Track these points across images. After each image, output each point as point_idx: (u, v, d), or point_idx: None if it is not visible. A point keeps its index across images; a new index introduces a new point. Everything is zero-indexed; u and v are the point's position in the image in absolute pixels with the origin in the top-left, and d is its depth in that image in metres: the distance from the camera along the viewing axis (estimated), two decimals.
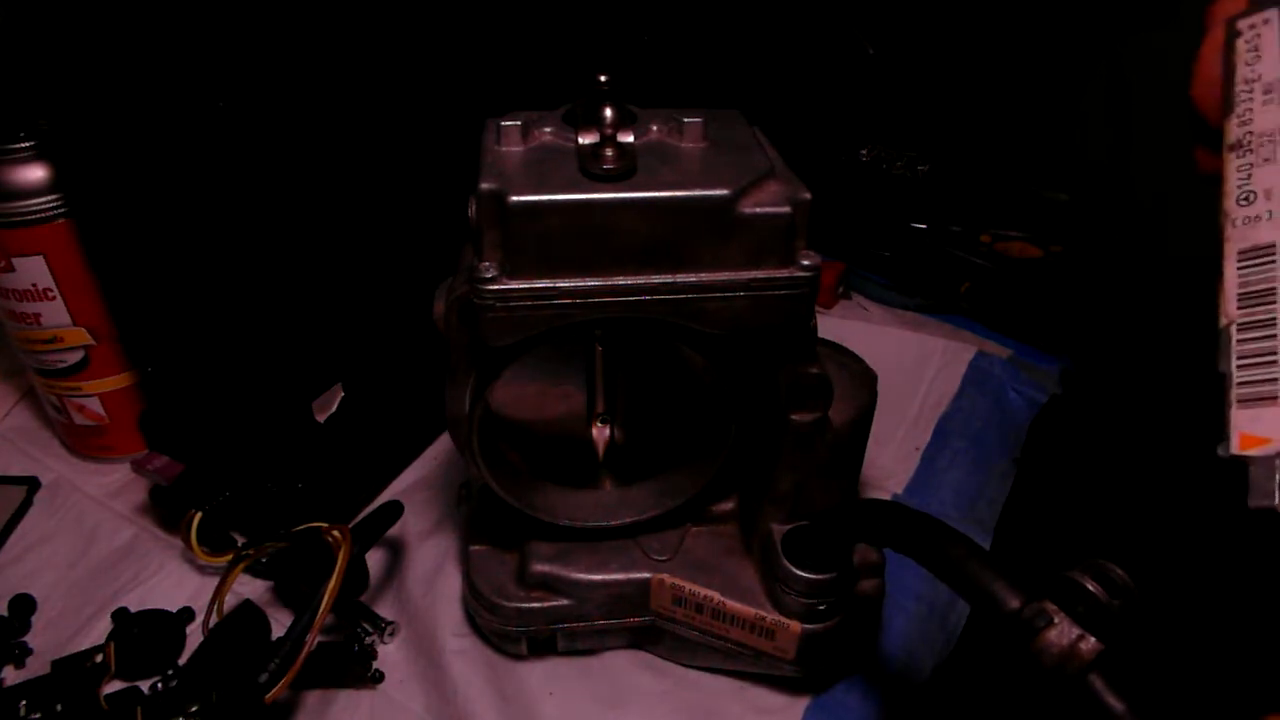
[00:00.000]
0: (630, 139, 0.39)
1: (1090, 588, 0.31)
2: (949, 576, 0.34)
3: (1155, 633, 0.38)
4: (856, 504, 0.45)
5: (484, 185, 0.37)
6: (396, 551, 0.57)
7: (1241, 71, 0.31)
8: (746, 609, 0.46)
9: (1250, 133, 0.31)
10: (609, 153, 0.37)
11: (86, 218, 0.55)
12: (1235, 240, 0.30)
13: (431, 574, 0.55)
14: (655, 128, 0.41)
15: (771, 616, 0.45)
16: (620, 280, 0.39)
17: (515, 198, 0.37)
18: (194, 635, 0.51)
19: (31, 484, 0.63)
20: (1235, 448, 0.28)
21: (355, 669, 0.49)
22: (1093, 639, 0.29)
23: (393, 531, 0.55)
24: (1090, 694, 0.29)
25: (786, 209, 0.38)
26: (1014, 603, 0.31)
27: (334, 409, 0.56)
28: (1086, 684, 0.29)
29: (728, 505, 0.50)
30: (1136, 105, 0.69)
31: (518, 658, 0.50)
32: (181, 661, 0.49)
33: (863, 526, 0.43)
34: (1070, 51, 0.74)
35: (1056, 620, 0.30)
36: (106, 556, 0.57)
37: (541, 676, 0.50)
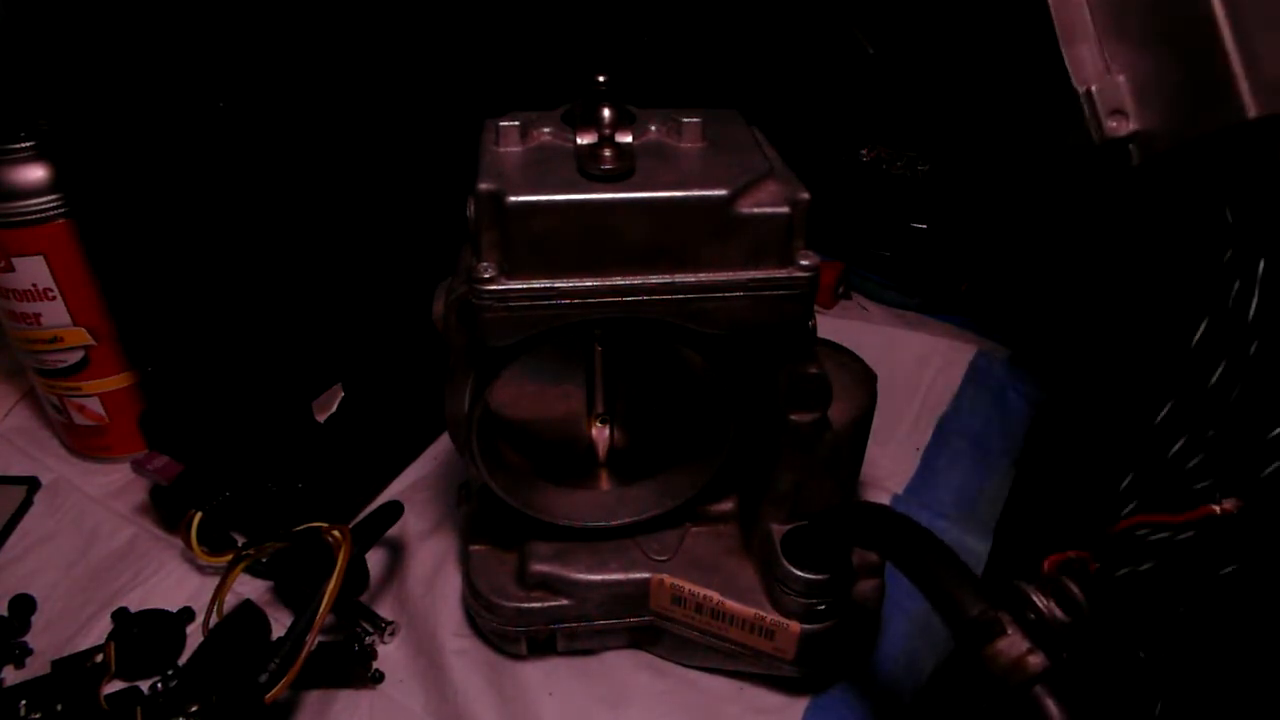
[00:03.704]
0: (629, 139, 0.39)
1: (1040, 604, 0.31)
2: (918, 578, 0.35)
3: (1112, 652, 0.39)
4: (843, 506, 0.45)
5: (482, 186, 0.37)
6: (396, 551, 0.57)
7: None
8: (746, 609, 0.46)
9: None
10: (607, 153, 0.38)
11: (86, 218, 0.55)
12: None
13: (431, 574, 0.55)
14: (654, 128, 0.41)
15: (771, 617, 0.45)
16: (619, 280, 0.39)
17: (513, 198, 0.37)
18: (194, 635, 0.51)
19: (31, 484, 0.63)
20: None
21: (355, 669, 0.49)
22: (1042, 654, 0.30)
23: (393, 531, 0.55)
24: (1033, 704, 0.29)
25: (785, 209, 0.38)
26: (974, 610, 0.32)
27: (334, 409, 0.56)
28: (1031, 695, 0.29)
29: (727, 505, 0.50)
30: None
31: (518, 658, 0.50)
32: (181, 661, 0.49)
33: (849, 528, 0.43)
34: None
35: (1010, 631, 0.31)
36: (106, 556, 0.57)
37: (541, 676, 0.50)
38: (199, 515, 0.53)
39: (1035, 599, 0.31)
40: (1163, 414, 0.43)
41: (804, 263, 0.39)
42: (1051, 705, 0.29)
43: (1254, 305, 0.41)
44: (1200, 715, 0.38)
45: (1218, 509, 0.40)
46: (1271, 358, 0.41)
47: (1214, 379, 0.41)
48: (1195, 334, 0.42)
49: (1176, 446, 0.42)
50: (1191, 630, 0.40)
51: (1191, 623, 0.40)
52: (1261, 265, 0.41)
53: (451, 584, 0.54)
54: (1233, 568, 0.38)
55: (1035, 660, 0.30)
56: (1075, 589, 0.31)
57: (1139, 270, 0.61)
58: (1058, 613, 0.31)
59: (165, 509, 0.58)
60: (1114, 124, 0.43)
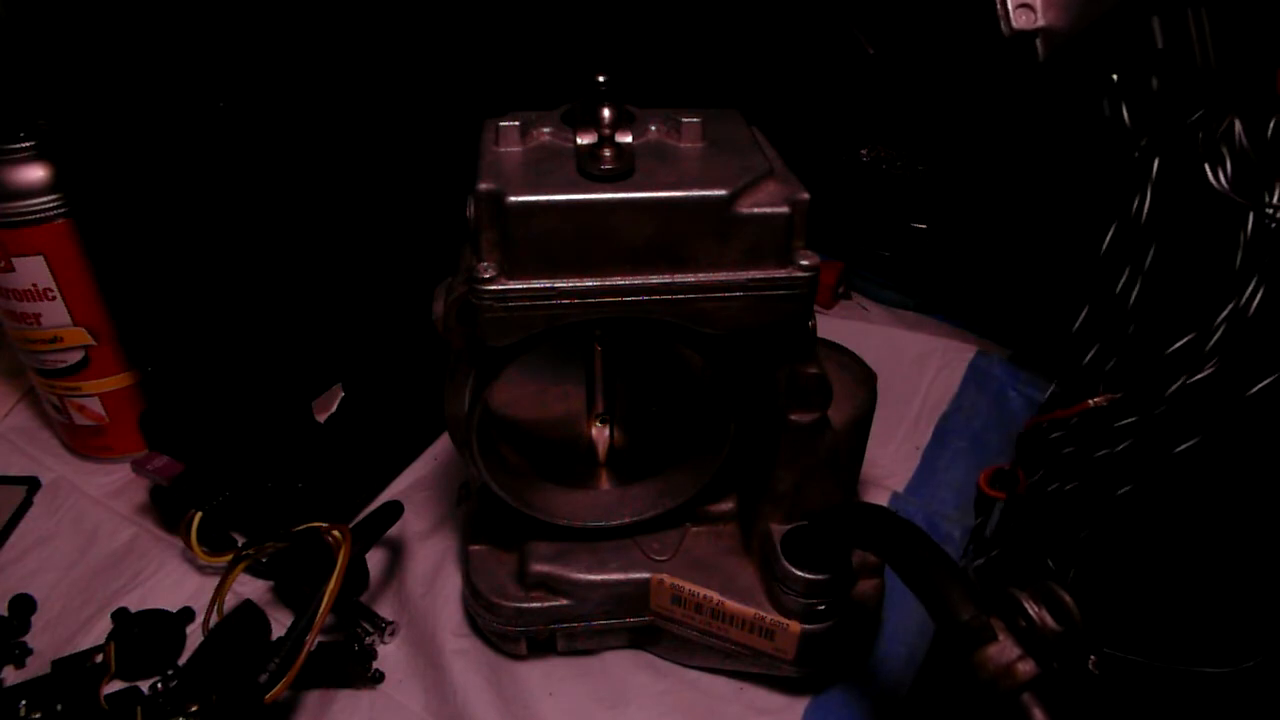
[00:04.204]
0: (628, 139, 0.39)
1: (1032, 611, 0.31)
2: (912, 580, 0.35)
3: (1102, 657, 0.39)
4: (842, 506, 0.45)
5: (482, 185, 0.37)
6: (396, 551, 0.57)
7: None
8: (746, 609, 0.46)
9: None
10: (607, 153, 0.38)
11: (86, 218, 0.55)
12: None
13: (431, 574, 0.55)
14: (654, 128, 0.41)
15: (771, 616, 0.45)
16: (618, 280, 0.39)
17: (513, 198, 0.37)
18: (194, 635, 0.51)
19: (31, 484, 0.63)
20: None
21: (355, 669, 0.49)
22: (1032, 662, 0.30)
23: (393, 531, 0.55)
24: (1021, 711, 0.29)
25: (784, 209, 0.38)
26: (966, 614, 0.32)
27: (334, 409, 0.56)
28: (1019, 702, 0.30)
29: (727, 505, 0.50)
30: None
31: (517, 658, 0.50)
32: (181, 661, 0.49)
33: (847, 529, 0.43)
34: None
35: (1001, 637, 0.31)
36: (106, 556, 0.57)
37: (541, 676, 0.50)
38: (199, 515, 0.53)
39: (1027, 606, 0.32)
40: (1079, 322, 0.44)
41: (804, 263, 0.39)
42: (1039, 713, 0.29)
43: (1146, 206, 0.42)
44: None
45: (1091, 403, 0.41)
46: (1171, 261, 0.42)
47: (1120, 285, 0.43)
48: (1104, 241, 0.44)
49: (1090, 354, 0.44)
50: (1093, 553, 0.40)
51: (1093, 545, 0.40)
52: (1156, 164, 0.42)
53: (451, 584, 0.54)
54: (1128, 488, 0.39)
55: (1025, 668, 0.30)
56: (1067, 598, 0.31)
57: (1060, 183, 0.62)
58: (1049, 621, 0.31)
59: (165, 509, 0.58)
60: (1022, 18, 0.46)
